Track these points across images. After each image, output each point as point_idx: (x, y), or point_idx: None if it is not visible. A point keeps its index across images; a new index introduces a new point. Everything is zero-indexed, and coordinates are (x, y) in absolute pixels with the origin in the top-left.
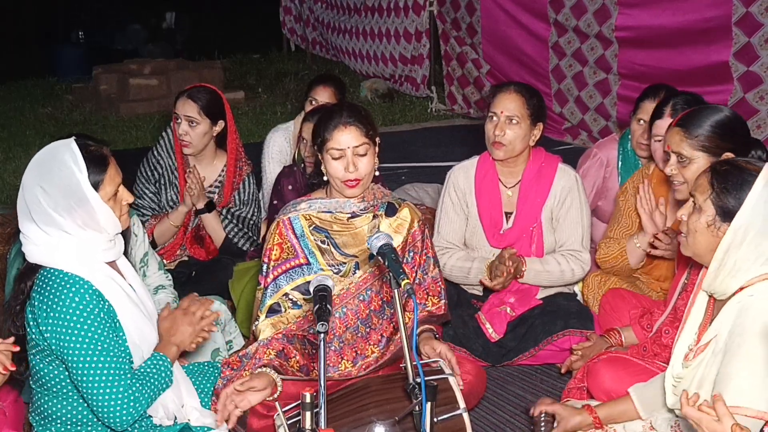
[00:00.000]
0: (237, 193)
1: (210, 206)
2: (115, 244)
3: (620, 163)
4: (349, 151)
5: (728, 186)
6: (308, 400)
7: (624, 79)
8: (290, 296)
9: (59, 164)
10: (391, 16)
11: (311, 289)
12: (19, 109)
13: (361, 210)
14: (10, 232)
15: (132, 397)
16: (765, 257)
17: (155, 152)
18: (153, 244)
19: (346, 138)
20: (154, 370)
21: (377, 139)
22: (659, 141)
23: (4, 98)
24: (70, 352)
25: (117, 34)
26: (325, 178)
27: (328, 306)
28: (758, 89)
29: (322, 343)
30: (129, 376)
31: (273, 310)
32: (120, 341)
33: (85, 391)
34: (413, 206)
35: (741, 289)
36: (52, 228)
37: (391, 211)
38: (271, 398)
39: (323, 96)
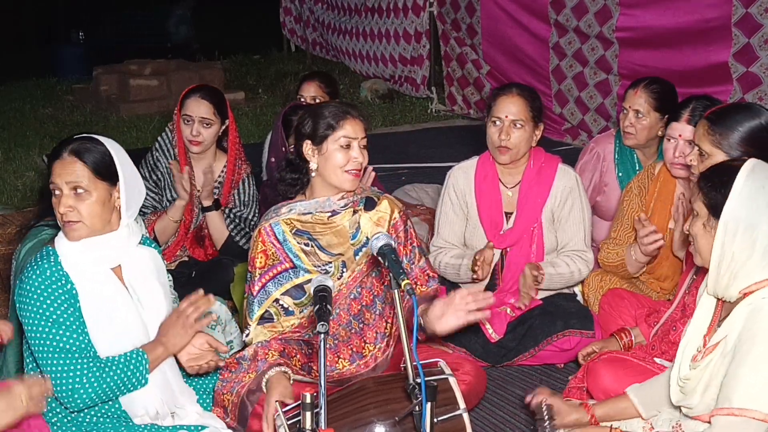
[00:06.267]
0: (237, 193)
1: (217, 204)
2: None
3: (616, 155)
4: (356, 142)
5: (713, 183)
6: (308, 400)
7: (624, 79)
8: (281, 302)
9: None
10: (390, 17)
11: (311, 290)
12: (20, 110)
13: (341, 207)
14: (11, 232)
15: (85, 379)
16: None
17: (153, 154)
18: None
19: (357, 128)
20: (124, 364)
21: None
22: (672, 142)
23: (4, 98)
24: (28, 326)
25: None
26: (313, 174)
27: (329, 306)
28: (758, 90)
29: (322, 343)
30: (87, 357)
31: (264, 318)
32: (83, 327)
33: (41, 364)
34: (392, 198)
35: (751, 291)
36: None
37: (370, 205)
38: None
39: (309, 91)
